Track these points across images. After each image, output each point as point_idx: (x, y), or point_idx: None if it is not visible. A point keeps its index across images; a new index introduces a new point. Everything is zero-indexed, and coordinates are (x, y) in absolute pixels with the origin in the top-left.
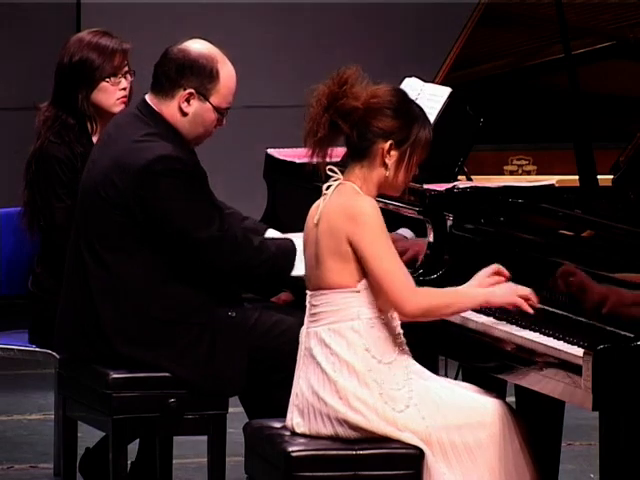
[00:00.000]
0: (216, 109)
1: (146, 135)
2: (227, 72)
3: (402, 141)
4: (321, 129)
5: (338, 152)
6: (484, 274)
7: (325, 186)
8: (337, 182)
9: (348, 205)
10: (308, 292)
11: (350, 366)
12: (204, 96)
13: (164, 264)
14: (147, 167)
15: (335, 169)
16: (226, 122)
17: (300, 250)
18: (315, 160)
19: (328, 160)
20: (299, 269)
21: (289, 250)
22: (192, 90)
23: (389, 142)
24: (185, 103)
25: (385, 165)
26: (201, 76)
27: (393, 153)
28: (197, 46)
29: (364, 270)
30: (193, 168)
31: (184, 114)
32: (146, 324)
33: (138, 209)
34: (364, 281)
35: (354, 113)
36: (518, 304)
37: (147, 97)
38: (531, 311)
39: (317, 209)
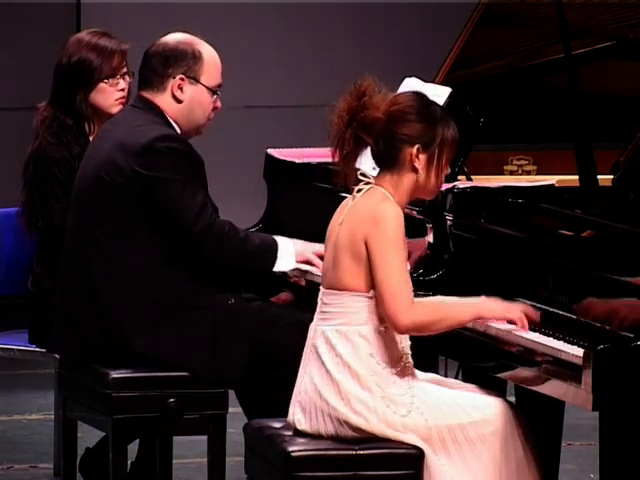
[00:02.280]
0: (209, 89)
1: (146, 121)
2: (209, 51)
3: (429, 143)
4: (347, 145)
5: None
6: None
7: (356, 189)
8: (368, 186)
9: (373, 208)
10: (322, 289)
11: (353, 370)
12: (194, 79)
13: (163, 249)
14: (150, 145)
15: (366, 173)
16: (221, 104)
17: (281, 246)
18: (344, 171)
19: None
20: (281, 265)
21: (271, 245)
22: (182, 75)
23: (416, 146)
24: (179, 91)
25: (415, 170)
26: (185, 60)
27: (422, 157)
28: (172, 36)
29: None
30: (194, 152)
31: (179, 102)
32: (146, 309)
33: (140, 189)
34: None
35: (376, 124)
36: (513, 320)
37: (141, 93)
38: (526, 329)
39: (344, 209)
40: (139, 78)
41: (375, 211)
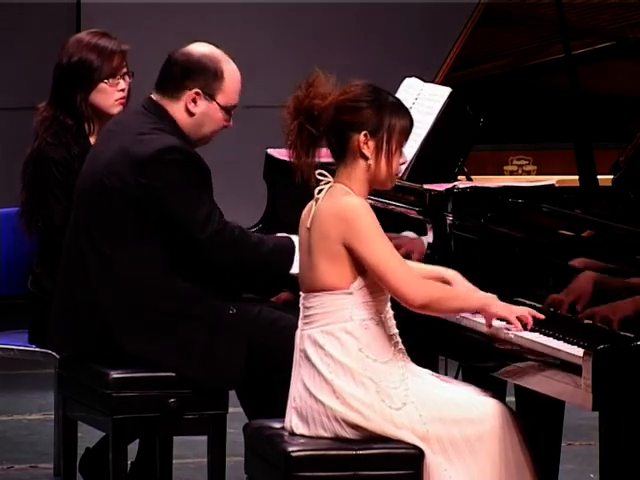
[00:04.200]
0: (223, 108)
1: (153, 128)
2: (231, 71)
3: (377, 129)
4: (291, 135)
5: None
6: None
7: (317, 190)
8: (328, 185)
9: (338, 206)
10: (301, 294)
11: (345, 367)
12: (210, 96)
13: (165, 255)
14: (155, 156)
15: (324, 172)
16: (233, 122)
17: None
18: (296, 167)
19: (317, 160)
20: (297, 267)
21: (287, 247)
22: (198, 90)
23: (363, 132)
24: (192, 104)
25: (365, 157)
26: (206, 76)
27: (370, 143)
28: (200, 48)
29: (357, 271)
30: (199, 162)
31: (191, 114)
32: (145, 315)
33: (142, 198)
34: (357, 282)
35: (323, 114)
36: (512, 322)
37: (153, 96)
38: (521, 329)
39: (309, 212)
40: (157, 80)
41: (341, 208)
